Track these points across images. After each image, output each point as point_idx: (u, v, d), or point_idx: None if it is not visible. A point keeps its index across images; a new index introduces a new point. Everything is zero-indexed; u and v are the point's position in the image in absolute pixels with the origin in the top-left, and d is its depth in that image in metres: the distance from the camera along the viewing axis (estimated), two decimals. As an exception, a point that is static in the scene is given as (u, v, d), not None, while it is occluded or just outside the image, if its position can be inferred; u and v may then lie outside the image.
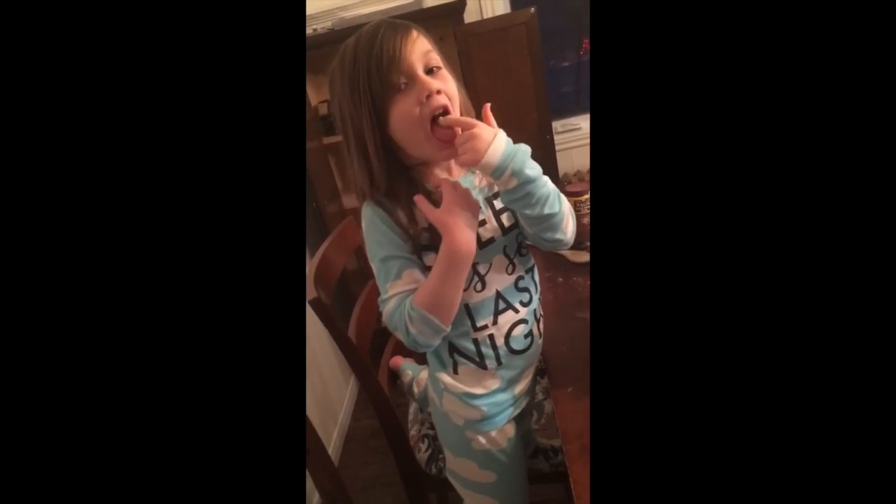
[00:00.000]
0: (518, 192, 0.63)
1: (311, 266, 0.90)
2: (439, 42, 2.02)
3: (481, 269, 0.70)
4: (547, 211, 0.65)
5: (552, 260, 1.07)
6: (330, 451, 1.57)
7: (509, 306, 0.73)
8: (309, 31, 1.75)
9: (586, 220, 1.18)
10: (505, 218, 0.71)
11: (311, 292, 0.83)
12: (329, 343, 1.74)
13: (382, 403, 0.93)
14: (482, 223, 0.69)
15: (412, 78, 0.62)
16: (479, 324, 0.72)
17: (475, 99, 2.04)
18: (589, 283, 0.96)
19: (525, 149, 0.63)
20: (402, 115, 0.62)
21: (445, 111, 0.62)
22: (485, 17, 1.92)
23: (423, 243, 0.67)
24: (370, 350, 1.00)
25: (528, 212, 0.65)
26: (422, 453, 0.97)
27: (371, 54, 0.60)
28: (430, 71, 0.63)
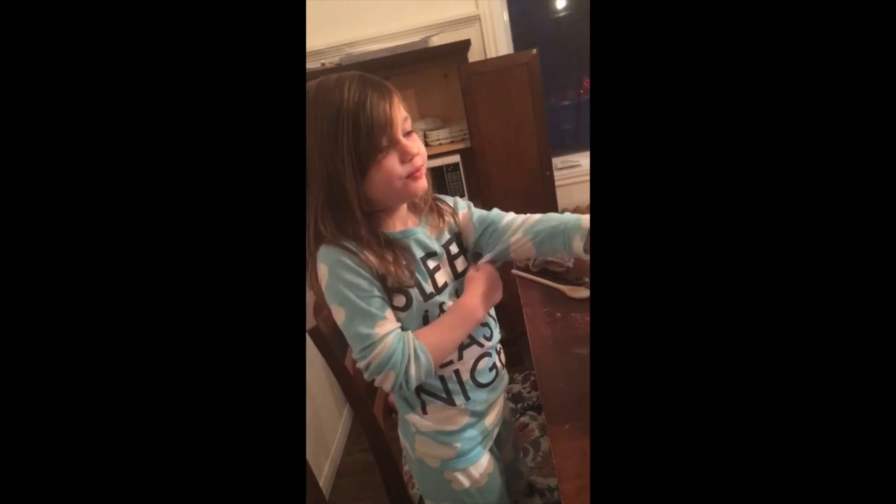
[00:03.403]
0: None
1: (310, 295, 0.90)
2: (444, 80, 2.09)
3: (446, 307, 0.72)
4: None
5: (550, 295, 1.07)
6: (321, 485, 1.54)
7: (473, 341, 0.75)
8: (317, 65, 1.80)
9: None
10: (458, 263, 0.76)
11: (310, 321, 0.83)
12: (323, 374, 1.72)
13: (377, 437, 0.91)
14: (437, 269, 0.73)
15: (395, 141, 0.65)
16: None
17: (477, 134, 2.07)
18: (587, 319, 0.96)
19: None
20: (387, 172, 0.65)
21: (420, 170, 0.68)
22: (489, 56, 1.98)
23: (390, 285, 0.67)
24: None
25: None
26: (415, 489, 0.95)
27: (361, 117, 0.62)
28: (406, 134, 0.66)
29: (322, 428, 1.66)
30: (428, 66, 1.83)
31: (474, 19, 1.96)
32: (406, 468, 1.00)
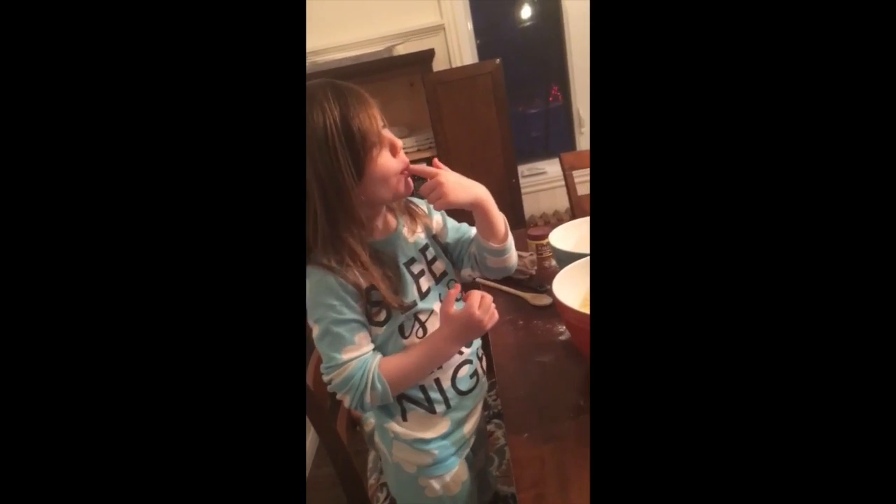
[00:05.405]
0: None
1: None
2: (409, 88, 2.08)
3: (422, 317, 0.73)
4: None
5: (513, 303, 1.08)
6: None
7: None
8: (281, 74, 1.79)
9: (548, 263, 1.20)
10: (436, 267, 0.77)
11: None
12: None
13: (340, 452, 0.90)
14: (421, 273, 0.74)
15: (382, 137, 0.68)
16: None
17: (444, 142, 2.07)
18: (549, 326, 0.97)
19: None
20: (383, 168, 0.68)
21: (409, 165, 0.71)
22: (453, 66, 1.99)
23: (374, 300, 0.69)
24: (327, 396, 0.97)
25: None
26: (380, 503, 0.94)
27: (351, 127, 0.64)
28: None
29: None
30: (393, 75, 1.83)
31: (438, 28, 1.98)
32: (371, 482, 1.00)
